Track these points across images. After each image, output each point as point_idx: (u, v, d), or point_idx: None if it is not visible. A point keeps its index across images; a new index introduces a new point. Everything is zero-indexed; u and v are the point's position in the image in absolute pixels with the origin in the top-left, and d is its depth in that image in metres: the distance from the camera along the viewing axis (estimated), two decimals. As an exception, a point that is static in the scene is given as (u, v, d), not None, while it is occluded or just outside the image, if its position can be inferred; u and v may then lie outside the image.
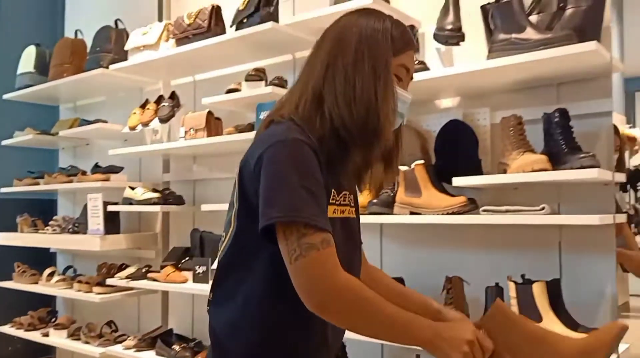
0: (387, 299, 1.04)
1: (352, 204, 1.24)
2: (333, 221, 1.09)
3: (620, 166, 1.93)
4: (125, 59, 2.94)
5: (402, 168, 2.05)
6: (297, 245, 0.99)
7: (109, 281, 2.91)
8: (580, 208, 1.87)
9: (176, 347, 2.64)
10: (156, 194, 2.82)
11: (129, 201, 2.89)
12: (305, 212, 1.00)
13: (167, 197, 2.85)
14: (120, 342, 2.92)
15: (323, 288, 0.99)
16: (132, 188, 2.92)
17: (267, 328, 1.11)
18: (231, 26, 2.51)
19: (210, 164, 2.97)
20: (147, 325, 3.18)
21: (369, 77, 1.11)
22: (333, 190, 1.14)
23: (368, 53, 1.12)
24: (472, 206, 1.91)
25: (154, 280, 2.73)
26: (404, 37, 1.17)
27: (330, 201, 1.12)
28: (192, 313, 3.04)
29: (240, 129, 2.53)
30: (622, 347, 1.77)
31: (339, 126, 1.10)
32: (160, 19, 3.23)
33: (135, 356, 2.73)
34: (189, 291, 2.58)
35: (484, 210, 1.88)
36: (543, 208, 1.76)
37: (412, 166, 2.03)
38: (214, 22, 2.54)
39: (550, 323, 1.69)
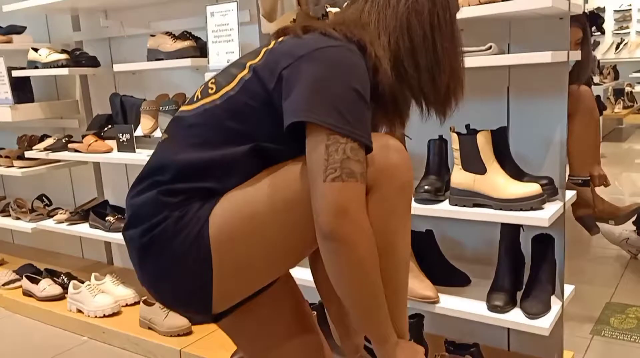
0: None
1: None
2: None
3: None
4: None
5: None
6: (339, 164, 0.91)
7: (27, 154, 2.67)
8: (532, 47, 1.68)
9: (110, 218, 2.50)
10: (64, 56, 2.47)
11: (34, 65, 2.55)
12: (361, 128, 0.94)
13: (79, 58, 2.51)
14: (53, 217, 2.76)
15: (347, 221, 0.92)
16: (36, 50, 2.55)
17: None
18: None
19: (124, 18, 2.59)
20: (83, 198, 3.02)
21: (450, 40, 1.13)
22: None
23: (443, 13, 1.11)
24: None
25: (76, 150, 2.50)
26: None
27: None
28: (127, 183, 2.87)
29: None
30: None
31: (412, 83, 1.11)
32: None
33: (69, 230, 2.60)
34: (115, 161, 2.37)
35: (425, 54, 1.66)
36: (490, 47, 1.55)
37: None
38: None
39: (495, 174, 1.58)
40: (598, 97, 5.81)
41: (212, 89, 1.09)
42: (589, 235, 2.68)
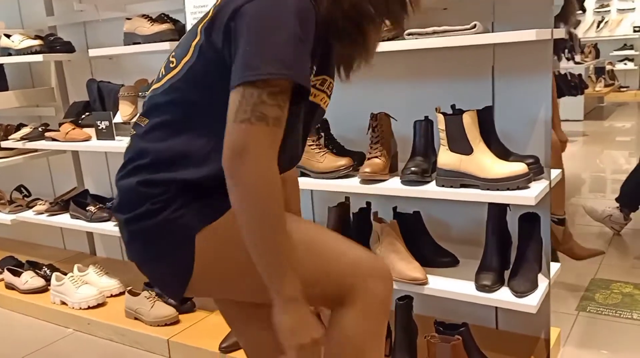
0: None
1: (329, 94, 1.14)
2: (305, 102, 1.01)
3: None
4: None
5: None
6: (251, 107, 0.90)
7: (3, 144, 2.60)
8: (516, 25, 1.66)
9: (92, 208, 2.45)
10: (37, 42, 2.40)
11: (7, 52, 2.46)
12: (291, 67, 0.92)
13: (53, 44, 2.43)
14: (34, 207, 2.70)
15: (245, 163, 0.90)
16: (8, 36, 2.47)
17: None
18: None
19: (99, 1, 2.51)
20: (63, 189, 2.96)
21: None
22: (313, 70, 1.05)
23: None
24: (395, 31, 1.65)
25: (53, 139, 2.44)
26: None
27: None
28: (108, 171, 2.82)
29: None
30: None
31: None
32: None
33: (49, 221, 2.54)
34: (94, 149, 2.32)
35: (408, 34, 1.64)
36: (474, 26, 1.53)
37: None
38: None
39: (481, 154, 1.57)
40: (580, 75, 5.85)
41: (172, 62, 1.08)
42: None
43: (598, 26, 8.11)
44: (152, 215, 1.01)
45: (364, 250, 1.10)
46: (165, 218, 1.00)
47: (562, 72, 5.32)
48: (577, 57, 6.36)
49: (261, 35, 0.92)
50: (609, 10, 8.06)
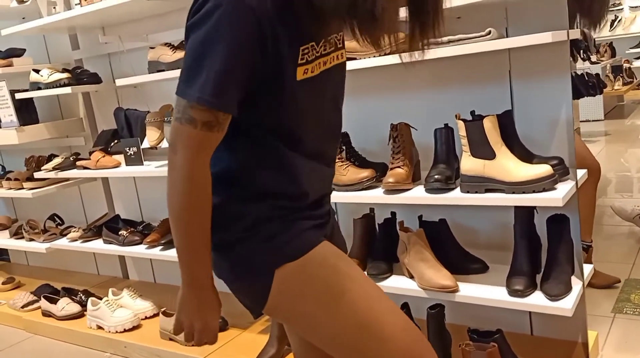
0: None
1: (340, 45, 1.08)
2: (303, 82, 0.99)
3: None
4: None
5: None
6: (182, 108, 0.94)
7: (36, 174, 2.69)
8: (530, 29, 1.68)
9: (124, 232, 2.51)
10: (65, 75, 2.49)
11: (37, 86, 2.56)
12: (222, 97, 0.93)
13: (80, 76, 2.52)
14: (66, 235, 2.78)
15: (176, 159, 0.95)
16: (37, 71, 2.57)
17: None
18: None
19: (122, 32, 2.60)
20: (94, 215, 3.04)
21: None
22: (312, 43, 0.99)
23: None
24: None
25: (85, 167, 2.52)
26: None
27: (301, 60, 0.98)
28: (137, 196, 2.89)
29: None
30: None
31: None
32: None
33: (83, 247, 2.61)
34: (124, 175, 2.38)
35: (426, 44, 1.66)
36: (489, 32, 1.55)
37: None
38: None
39: (504, 158, 1.58)
40: (597, 75, 5.80)
41: None
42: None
43: (612, 25, 8.05)
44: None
45: (414, 334, 1.06)
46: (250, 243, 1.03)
47: (579, 72, 5.29)
48: (593, 57, 6.31)
49: (193, 57, 0.93)
50: (622, 9, 8.00)
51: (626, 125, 6.29)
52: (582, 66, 5.72)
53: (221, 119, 0.94)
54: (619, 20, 7.97)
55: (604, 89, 5.97)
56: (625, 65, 7.55)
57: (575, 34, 1.72)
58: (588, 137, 5.74)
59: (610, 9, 8.02)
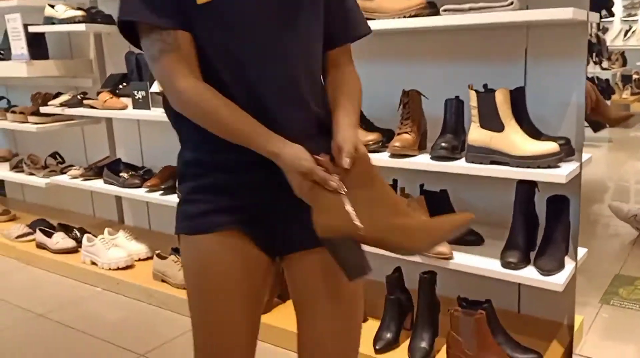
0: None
1: None
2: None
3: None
4: None
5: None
6: (150, 45, 0.95)
7: (43, 109, 2.68)
8: (552, 5, 1.68)
9: (124, 175, 2.52)
10: (80, 12, 2.47)
11: (50, 21, 2.55)
12: (143, 10, 0.93)
13: (94, 16, 2.51)
14: (67, 173, 2.78)
15: (175, 102, 0.98)
16: (52, 6, 2.55)
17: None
18: None
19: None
20: (95, 157, 3.04)
21: None
22: None
23: None
24: (431, 8, 1.69)
25: (91, 106, 2.51)
26: None
27: None
28: (140, 142, 2.89)
29: None
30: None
31: None
32: None
33: (83, 185, 2.62)
34: (130, 117, 2.38)
35: (445, 10, 1.66)
36: (512, 3, 1.55)
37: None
38: None
39: (512, 131, 1.59)
40: (607, 81, 5.78)
41: None
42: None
43: (625, 35, 8.03)
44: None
45: None
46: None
47: (590, 75, 5.28)
48: (605, 64, 6.30)
49: None
50: (637, 20, 7.96)
51: (630, 135, 6.29)
52: (592, 70, 5.72)
53: (165, 36, 0.93)
54: (633, 31, 7.95)
55: (612, 96, 5.98)
56: (635, 76, 7.54)
57: (596, 17, 1.72)
58: (591, 141, 5.74)
59: (625, 18, 7.99)
